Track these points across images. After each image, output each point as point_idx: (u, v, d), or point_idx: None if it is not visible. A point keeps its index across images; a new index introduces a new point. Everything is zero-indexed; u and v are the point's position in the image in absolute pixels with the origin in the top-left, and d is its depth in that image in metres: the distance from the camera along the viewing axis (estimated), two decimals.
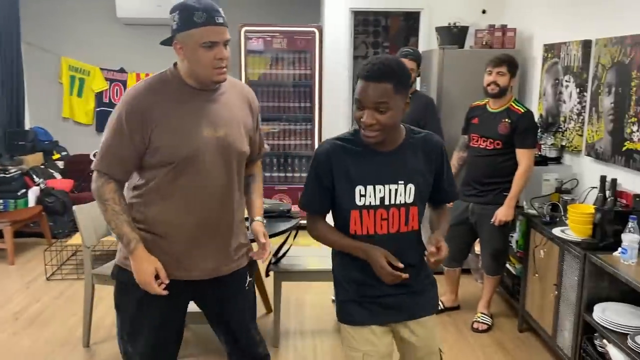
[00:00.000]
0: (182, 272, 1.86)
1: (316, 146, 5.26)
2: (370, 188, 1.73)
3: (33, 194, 5.04)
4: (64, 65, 5.87)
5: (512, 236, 3.50)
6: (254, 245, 2.05)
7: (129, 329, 1.91)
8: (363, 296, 1.81)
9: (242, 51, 5.16)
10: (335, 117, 4.94)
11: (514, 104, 3.24)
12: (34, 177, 5.16)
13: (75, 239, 4.37)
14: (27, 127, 5.75)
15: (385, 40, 6.25)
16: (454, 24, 4.25)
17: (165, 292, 1.79)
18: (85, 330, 3.10)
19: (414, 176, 1.75)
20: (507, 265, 3.59)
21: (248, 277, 2.04)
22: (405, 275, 1.70)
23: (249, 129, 1.96)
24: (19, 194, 4.94)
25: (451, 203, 2.07)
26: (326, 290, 3.95)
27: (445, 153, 1.84)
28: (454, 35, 4.25)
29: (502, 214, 3.18)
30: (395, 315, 1.84)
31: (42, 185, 5.15)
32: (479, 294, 3.59)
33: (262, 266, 2.85)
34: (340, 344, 1.95)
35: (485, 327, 3.41)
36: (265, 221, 2.05)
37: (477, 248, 3.66)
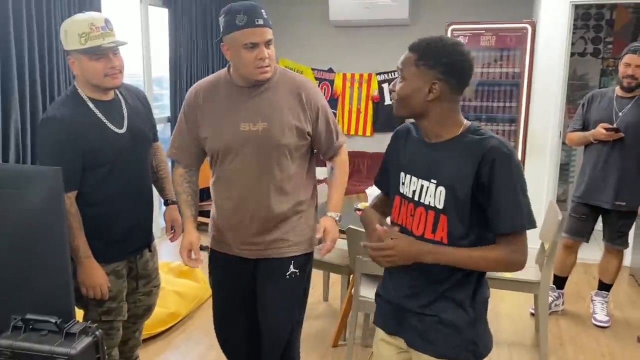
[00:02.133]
0: (224, 247, 2.15)
1: (520, 148, 4.98)
2: (409, 177, 1.60)
3: None
4: (281, 65, 6.44)
5: None
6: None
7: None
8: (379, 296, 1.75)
9: None
10: (545, 119, 4.61)
11: None
12: None
13: None
14: None
15: (609, 35, 5.63)
16: None
17: (195, 265, 2.10)
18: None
19: (450, 179, 1.48)
20: None
21: (292, 268, 2.10)
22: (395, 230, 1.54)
23: (298, 122, 2.01)
24: None
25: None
26: (523, 301, 3.74)
27: (505, 163, 1.42)
28: None
29: None
30: (396, 327, 1.65)
31: None
32: None
33: None
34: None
35: None
36: (338, 217, 2.08)
37: None
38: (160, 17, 5.03)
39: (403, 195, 1.62)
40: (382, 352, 1.72)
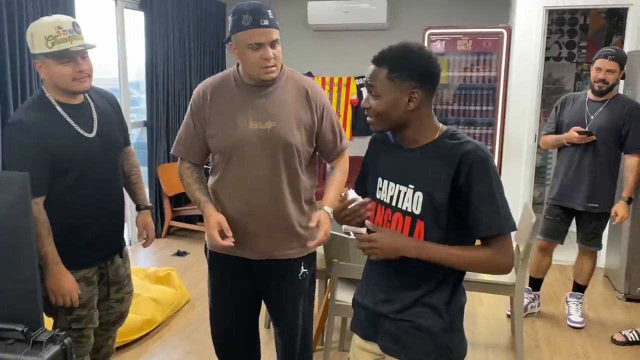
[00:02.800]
0: (236, 250, 2.07)
1: (497, 151, 5.04)
2: (385, 182, 1.59)
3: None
4: None
5: None
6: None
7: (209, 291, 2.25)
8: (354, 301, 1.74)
9: None
10: (520, 122, 4.66)
11: None
12: None
13: None
14: None
15: (583, 39, 5.72)
16: None
17: (229, 243, 1.95)
18: (265, 311, 3.37)
19: (428, 185, 1.48)
20: None
21: (302, 268, 2.13)
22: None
23: (306, 121, 2.04)
24: None
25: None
26: (500, 303, 3.77)
27: (481, 167, 1.42)
28: None
29: None
30: (372, 333, 1.64)
31: None
32: None
33: None
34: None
35: None
36: (331, 212, 2.05)
37: None
38: (136, 20, 4.98)
39: (379, 201, 1.61)
40: (359, 358, 1.72)
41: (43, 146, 1.99)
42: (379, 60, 1.50)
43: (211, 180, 2.14)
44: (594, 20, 5.68)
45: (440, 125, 1.55)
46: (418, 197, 1.49)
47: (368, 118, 1.55)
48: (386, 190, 1.59)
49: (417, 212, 1.50)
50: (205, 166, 2.19)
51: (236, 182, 2.02)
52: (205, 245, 2.23)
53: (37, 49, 1.99)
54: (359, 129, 6.08)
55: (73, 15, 3.81)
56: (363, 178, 1.74)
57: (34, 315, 1.73)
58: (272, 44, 1.92)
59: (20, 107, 2.11)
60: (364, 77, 5.90)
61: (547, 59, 5.46)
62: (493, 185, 1.43)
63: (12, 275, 1.73)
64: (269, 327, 3.38)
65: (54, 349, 1.62)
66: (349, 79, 6.05)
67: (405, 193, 1.53)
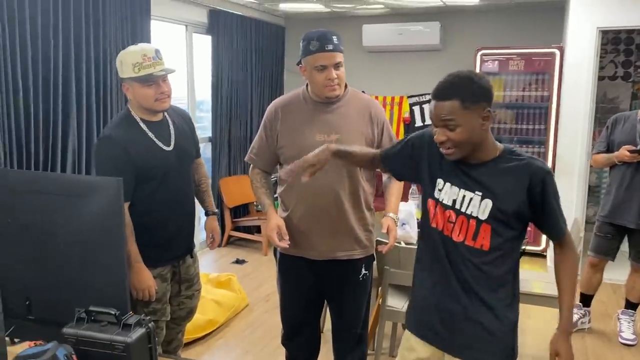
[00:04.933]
0: (300, 251, 2.32)
1: None
2: (447, 185, 1.71)
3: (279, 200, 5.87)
4: None
5: None
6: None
7: (279, 289, 2.50)
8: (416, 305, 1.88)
9: None
10: (573, 141, 4.69)
11: None
12: None
13: None
14: None
15: (639, 59, 5.69)
16: None
17: (285, 245, 2.19)
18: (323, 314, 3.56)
19: (496, 194, 1.63)
20: None
21: (363, 270, 2.33)
22: None
23: (367, 135, 2.27)
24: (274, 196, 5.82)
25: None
26: (549, 318, 3.80)
27: (550, 185, 1.63)
28: None
29: None
30: (434, 337, 1.78)
31: None
32: None
33: None
34: None
35: None
36: (397, 217, 2.31)
37: None
38: (204, 44, 5.36)
39: (439, 202, 1.73)
40: (415, 347, 1.84)
41: (129, 158, 2.26)
42: (445, 95, 1.60)
43: (280, 189, 2.38)
44: None
45: (498, 143, 1.70)
46: (486, 204, 1.64)
47: (445, 150, 1.66)
48: (448, 192, 1.71)
49: (483, 217, 1.65)
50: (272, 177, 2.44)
51: (303, 190, 2.23)
52: (275, 247, 2.46)
53: (125, 74, 2.29)
54: None
55: (149, 40, 4.20)
56: (401, 154, 1.89)
57: (122, 303, 1.98)
58: (336, 66, 2.17)
59: (109, 124, 2.41)
60: (416, 96, 6.11)
61: (601, 78, 5.47)
62: (557, 195, 1.66)
63: (106, 268, 2.00)
64: (322, 332, 3.56)
65: (141, 331, 1.87)
66: (401, 98, 6.23)
67: (471, 199, 1.67)
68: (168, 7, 4.74)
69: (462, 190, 1.68)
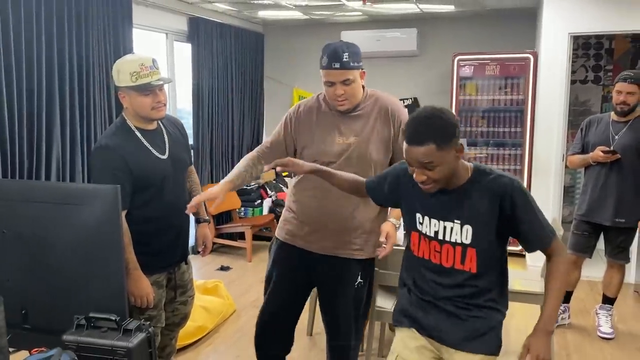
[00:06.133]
0: (303, 243, 2.38)
1: (525, 171, 5.22)
2: (427, 219, 1.81)
3: (267, 204, 5.92)
4: (295, 95, 6.75)
5: None
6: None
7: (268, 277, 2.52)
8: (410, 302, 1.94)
9: (454, 78, 5.40)
10: (548, 143, 4.85)
11: None
12: (268, 190, 6.06)
13: None
14: None
15: (609, 63, 5.90)
16: None
17: (191, 209, 2.25)
18: (310, 320, 3.61)
19: (475, 218, 1.73)
20: None
21: (359, 278, 2.36)
22: None
23: (383, 135, 2.31)
24: (256, 203, 5.86)
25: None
26: (531, 315, 3.91)
27: (520, 196, 1.70)
28: None
29: None
30: (432, 330, 1.86)
31: (273, 197, 6.01)
32: None
33: None
34: None
35: None
36: (398, 223, 2.30)
37: None
38: (184, 52, 5.38)
39: (423, 234, 1.84)
40: (407, 343, 1.92)
41: (126, 167, 2.28)
42: (420, 140, 1.65)
43: (294, 181, 2.47)
44: (619, 45, 5.86)
45: (467, 163, 1.78)
46: (467, 229, 1.74)
47: (424, 187, 1.73)
48: (428, 225, 1.82)
49: (467, 242, 1.75)
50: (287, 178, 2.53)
51: (316, 186, 2.30)
52: (275, 236, 2.53)
53: (123, 82, 2.30)
54: None
55: (131, 48, 4.20)
56: (380, 189, 2.00)
57: (120, 310, 2.00)
58: (344, 82, 2.19)
59: (105, 133, 2.42)
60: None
61: (573, 82, 5.65)
62: (533, 208, 1.72)
63: (104, 276, 2.01)
64: (311, 335, 3.61)
65: (141, 336, 1.89)
66: None
67: (452, 228, 1.77)
68: (149, 15, 4.74)
69: (441, 222, 1.79)
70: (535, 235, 1.74)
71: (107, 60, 3.99)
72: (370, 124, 2.31)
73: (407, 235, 1.93)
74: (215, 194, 2.28)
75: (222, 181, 2.39)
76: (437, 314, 1.85)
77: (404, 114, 2.36)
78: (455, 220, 1.75)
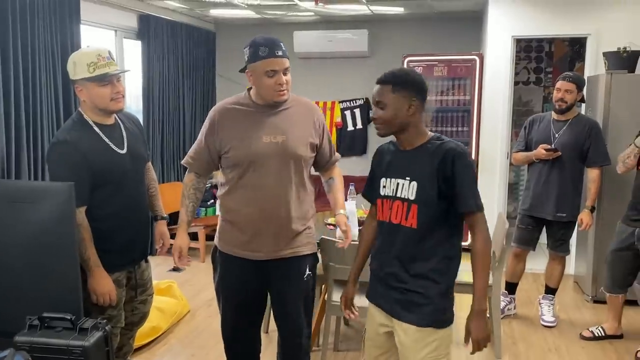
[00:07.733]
0: (248, 252, 2.33)
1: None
2: (387, 180, 1.97)
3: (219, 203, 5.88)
4: None
5: None
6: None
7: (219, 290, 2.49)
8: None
9: None
10: (493, 142, 5.05)
11: None
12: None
13: None
14: None
15: (549, 65, 6.19)
16: (624, 48, 4.17)
17: (183, 264, 2.43)
18: (266, 318, 3.62)
19: (420, 176, 1.88)
20: None
21: (307, 270, 2.39)
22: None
23: (311, 137, 2.34)
24: (208, 203, 5.80)
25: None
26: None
27: (460, 161, 1.83)
28: (623, 60, 4.18)
29: None
30: (383, 302, 2.01)
31: None
32: None
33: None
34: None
35: None
36: (347, 213, 2.41)
37: None
38: (133, 49, 5.27)
39: (384, 196, 1.98)
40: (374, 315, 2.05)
41: (85, 162, 2.23)
42: (383, 80, 1.90)
43: (222, 191, 2.39)
44: (558, 48, 6.16)
45: (428, 132, 1.96)
46: (413, 186, 1.89)
47: (376, 126, 1.94)
48: (389, 185, 1.97)
49: (412, 198, 1.88)
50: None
51: (251, 191, 2.28)
52: (215, 247, 2.46)
53: (79, 74, 2.25)
54: (343, 150, 6.40)
55: (79, 45, 4.09)
56: (371, 185, 2.11)
57: (76, 309, 1.97)
58: (285, 71, 2.23)
59: (63, 128, 2.36)
60: (347, 101, 6.32)
61: (516, 83, 5.90)
62: (469, 176, 1.87)
63: (58, 273, 1.98)
64: (267, 332, 3.62)
65: (97, 334, 1.87)
66: (333, 103, 6.41)
67: (403, 184, 1.92)
68: (97, 11, 4.63)
69: (397, 179, 1.94)
70: (463, 196, 1.84)
71: (54, 57, 3.89)
72: (297, 124, 2.31)
73: (374, 207, 2.06)
74: (185, 247, 2.37)
75: (180, 223, 2.42)
76: (384, 285, 1.98)
77: (324, 119, 2.47)
78: (406, 177, 1.91)
